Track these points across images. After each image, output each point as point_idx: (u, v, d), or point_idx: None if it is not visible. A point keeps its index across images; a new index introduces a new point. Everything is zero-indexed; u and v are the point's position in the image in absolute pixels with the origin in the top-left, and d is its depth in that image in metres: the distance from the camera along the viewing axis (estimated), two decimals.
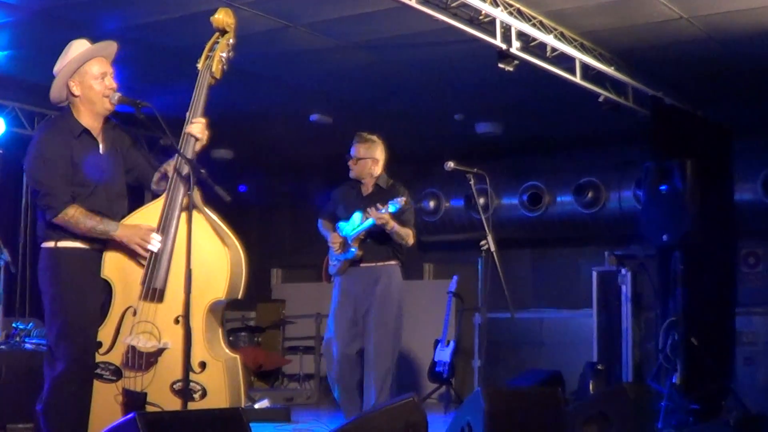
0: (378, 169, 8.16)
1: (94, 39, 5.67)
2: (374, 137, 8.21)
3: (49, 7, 8.63)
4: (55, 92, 5.60)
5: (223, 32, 5.74)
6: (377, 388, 7.86)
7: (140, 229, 5.47)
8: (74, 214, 5.34)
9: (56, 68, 5.58)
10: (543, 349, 11.96)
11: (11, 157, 11.20)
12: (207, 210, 5.50)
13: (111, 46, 5.67)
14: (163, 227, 5.49)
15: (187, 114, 5.64)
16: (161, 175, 5.68)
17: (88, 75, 5.51)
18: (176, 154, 5.57)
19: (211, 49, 5.72)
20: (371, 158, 8.12)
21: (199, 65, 5.71)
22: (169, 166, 5.59)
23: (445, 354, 11.82)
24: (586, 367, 10.78)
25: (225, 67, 5.73)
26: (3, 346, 9.32)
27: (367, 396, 7.94)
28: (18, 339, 9.62)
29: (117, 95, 5.54)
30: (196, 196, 5.47)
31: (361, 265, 8.06)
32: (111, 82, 5.56)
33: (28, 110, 11.83)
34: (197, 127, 5.60)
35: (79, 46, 5.58)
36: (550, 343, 11.96)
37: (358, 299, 8.05)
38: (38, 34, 9.22)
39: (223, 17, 5.72)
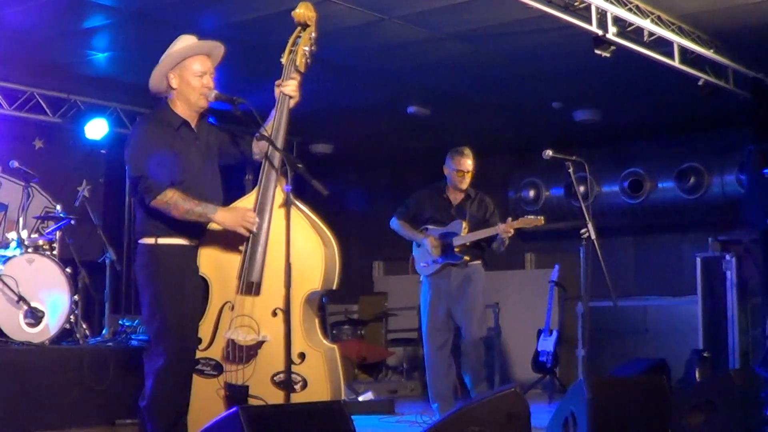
0: None
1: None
2: None
3: (147, 8, 8.75)
4: (155, 81, 5.67)
5: (305, 26, 5.76)
6: (479, 377, 8.62)
7: (240, 210, 5.52)
8: (173, 197, 5.38)
9: (161, 60, 5.67)
10: (647, 336, 11.83)
11: (114, 157, 11.42)
12: (297, 201, 5.51)
13: (217, 48, 5.75)
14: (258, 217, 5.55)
15: (272, 114, 5.73)
16: (259, 137, 5.68)
17: (188, 71, 5.60)
18: (268, 124, 5.67)
19: (294, 44, 5.76)
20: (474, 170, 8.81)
21: (283, 60, 5.76)
22: (265, 131, 5.62)
23: (548, 344, 11.76)
24: (691, 354, 10.65)
25: (309, 60, 5.78)
26: (110, 343, 9.51)
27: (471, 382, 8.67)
28: (125, 336, 9.81)
29: (214, 92, 5.62)
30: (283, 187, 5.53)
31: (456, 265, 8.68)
32: (209, 81, 5.63)
33: (130, 110, 12.04)
34: (291, 85, 5.69)
35: (185, 41, 5.66)
36: (655, 330, 11.81)
37: (450, 297, 8.70)
38: (137, 35, 9.36)
39: (304, 11, 5.74)
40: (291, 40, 5.79)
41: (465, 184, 8.82)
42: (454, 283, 8.71)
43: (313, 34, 5.78)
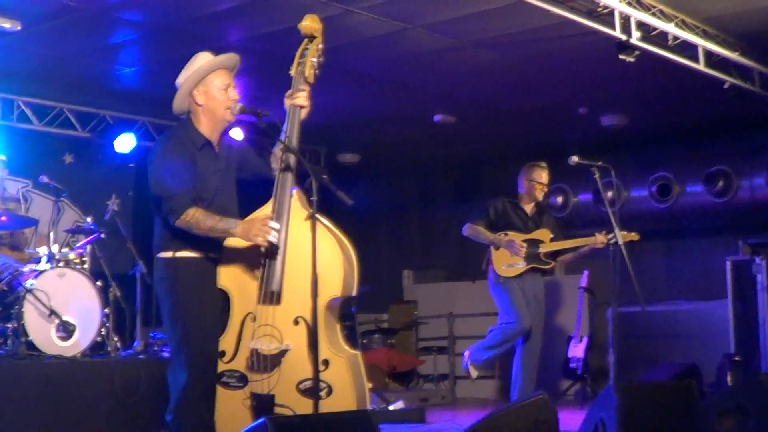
0: None
1: (217, 51, 5.79)
2: None
3: (173, 23, 8.81)
4: (178, 102, 5.72)
5: (312, 38, 5.83)
6: (533, 378, 9.28)
7: (257, 220, 5.51)
8: (195, 215, 5.42)
9: (180, 79, 5.70)
10: (678, 341, 11.77)
11: (143, 170, 11.46)
12: (309, 207, 5.49)
13: (234, 59, 5.78)
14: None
15: (284, 127, 5.75)
16: (283, 148, 5.69)
17: (212, 86, 5.62)
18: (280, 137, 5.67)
19: (302, 56, 5.81)
20: None
21: (292, 72, 5.81)
22: (281, 143, 5.64)
23: (578, 350, 11.74)
24: (722, 358, 10.59)
25: (317, 71, 5.83)
26: (142, 356, 9.55)
27: (516, 383, 9.33)
28: (156, 348, 9.85)
29: (239, 105, 5.64)
30: (300, 195, 5.56)
31: (534, 270, 9.22)
32: (233, 94, 5.66)
33: (158, 124, 12.13)
34: (302, 96, 5.72)
35: (203, 58, 5.70)
36: (685, 335, 11.75)
37: (528, 298, 9.21)
38: (164, 49, 9.42)
39: (310, 23, 5.81)
40: (299, 52, 5.85)
41: (543, 195, 9.33)
42: (532, 289, 9.25)
43: (321, 46, 5.84)
